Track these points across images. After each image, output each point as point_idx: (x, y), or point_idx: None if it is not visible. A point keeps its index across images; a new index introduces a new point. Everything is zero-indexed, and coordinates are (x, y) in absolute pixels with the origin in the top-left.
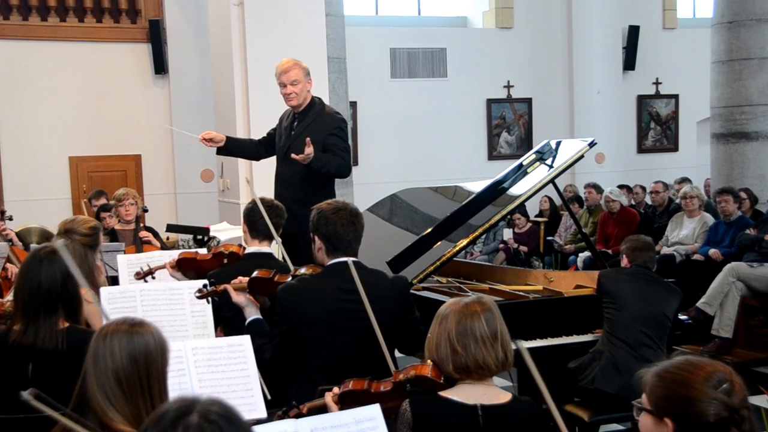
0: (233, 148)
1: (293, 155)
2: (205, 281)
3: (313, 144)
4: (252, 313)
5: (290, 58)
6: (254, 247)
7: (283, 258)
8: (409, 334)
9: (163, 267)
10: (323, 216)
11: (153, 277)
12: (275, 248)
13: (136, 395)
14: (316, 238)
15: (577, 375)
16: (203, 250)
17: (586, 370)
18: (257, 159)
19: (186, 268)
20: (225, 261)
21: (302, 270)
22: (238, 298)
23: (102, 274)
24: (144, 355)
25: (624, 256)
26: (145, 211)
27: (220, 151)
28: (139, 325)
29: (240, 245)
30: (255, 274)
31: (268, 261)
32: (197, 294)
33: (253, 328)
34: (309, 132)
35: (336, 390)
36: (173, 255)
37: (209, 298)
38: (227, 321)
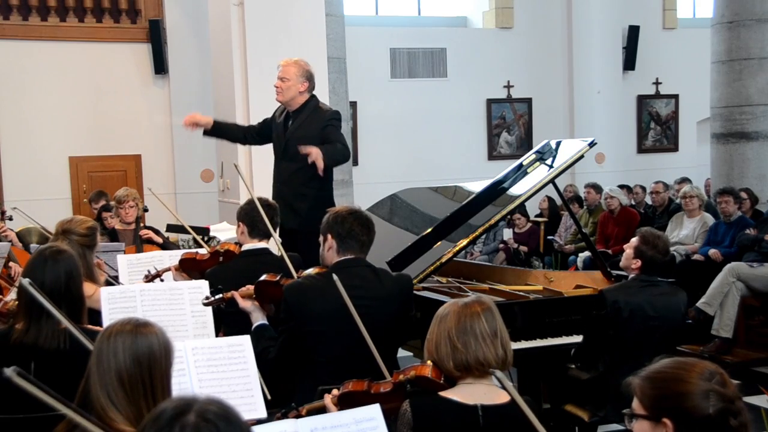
0: (219, 131)
1: (309, 159)
2: (206, 287)
3: (311, 139)
4: (258, 319)
5: (296, 58)
6: (251, 244)
7: (282, 257)
8: (405, 328)
9: (168, 270)
10: (339, 215)
11: (161, 280)
12: (273, 246)
13: (138, 396)
14: (329, 237)
15: (583, 400)
16: (203, 250)
17: (594, 400)
18: (243, 143)
19: (189, 268)
20: (221, 259)
21: (308, 271)
22: (245, 304)
23: (103, 275)
24: (148, 356)
25: (637, 258)
26: (146, 210)
27: (206, 133)
28: (144, 325)
29: (236, 243)
30: (262, 278)
31: (264, 256)
32: (204, 302)
33: (259, 332)
34: (304, 129)
35: (335, 392)
36: (172, 255)
37: (216, 306)
38: (230, 318)
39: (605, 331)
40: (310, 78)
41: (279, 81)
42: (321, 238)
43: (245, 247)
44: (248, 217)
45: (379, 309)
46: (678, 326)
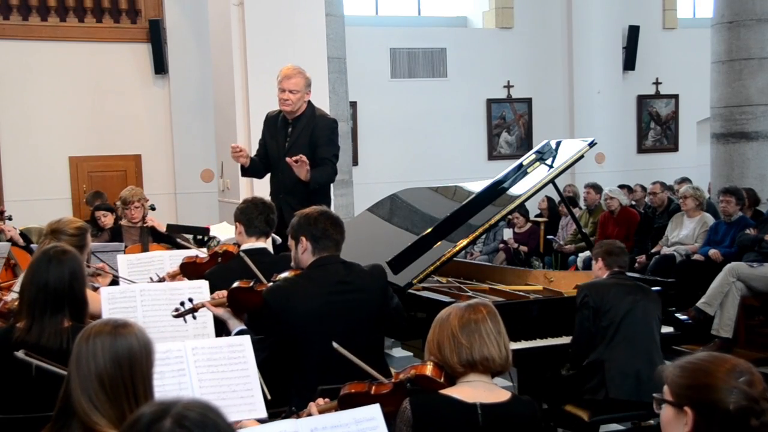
0: (253, 168)
1: (294, 165)
2: (206, 287)
3: (312, 146)
4: (236, 326)
5: (296, 66)
6: (249, 244)
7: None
8: (396, 319)
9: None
10: (310, 218)
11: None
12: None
13: (121, 398)
14: (303, 240)
15: (579, 388)
16: (203, 253)
17: (590, 383)
18: (261, 176)
19: (190, 272)
20: (219, 260)
21: (283, 275)
22: (218, 311)
23: (108, 277)
24: (128, 357)
25: (598, 259)
26: (153, 209)
27: (245, 172)
28: (123, 326)
29: (235, 244)
30: (234, 285)
31: (262, 256)
32: (174, 313)
33: None
34: (304, 136)
35: (336, 403)
36: (172, 255)
37: (186, 317)
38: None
39: (590, 320)
40: (310, 85)
41: (289, 93)
42: (291, 242)
43: (243, 246)
44: (244, 215)
45: (363, 301)
46: (658, 318)
